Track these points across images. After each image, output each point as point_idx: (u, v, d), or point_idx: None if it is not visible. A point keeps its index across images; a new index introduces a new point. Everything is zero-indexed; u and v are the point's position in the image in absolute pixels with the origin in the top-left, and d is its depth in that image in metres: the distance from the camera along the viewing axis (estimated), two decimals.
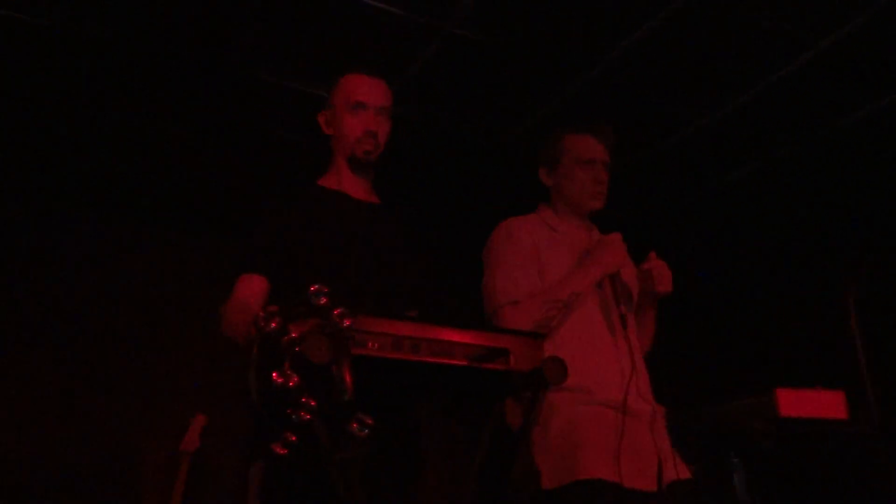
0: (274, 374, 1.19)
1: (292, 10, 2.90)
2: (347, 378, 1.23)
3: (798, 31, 2.97)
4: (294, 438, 1.21)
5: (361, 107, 1.94)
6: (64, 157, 3.73)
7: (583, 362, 1.93)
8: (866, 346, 2.21)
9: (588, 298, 2.06)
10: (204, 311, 3.82)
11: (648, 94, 3.42)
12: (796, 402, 2.59)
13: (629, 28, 3.00)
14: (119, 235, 3.88)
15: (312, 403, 1.21)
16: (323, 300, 1.26)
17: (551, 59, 3.19)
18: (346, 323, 1.25)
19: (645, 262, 2.15)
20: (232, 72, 3.24)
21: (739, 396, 2.72)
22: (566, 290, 2.00)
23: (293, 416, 1.20)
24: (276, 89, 3.34)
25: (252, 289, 1.77)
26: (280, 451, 1.21)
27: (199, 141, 3.71)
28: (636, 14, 2.92)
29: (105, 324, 3.71)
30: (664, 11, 2.87)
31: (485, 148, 3.82)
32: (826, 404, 2.62)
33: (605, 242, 2.10)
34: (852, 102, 3.38)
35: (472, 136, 3.74)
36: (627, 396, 1.93)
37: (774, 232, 4.31)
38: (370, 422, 1.24)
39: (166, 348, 3.82)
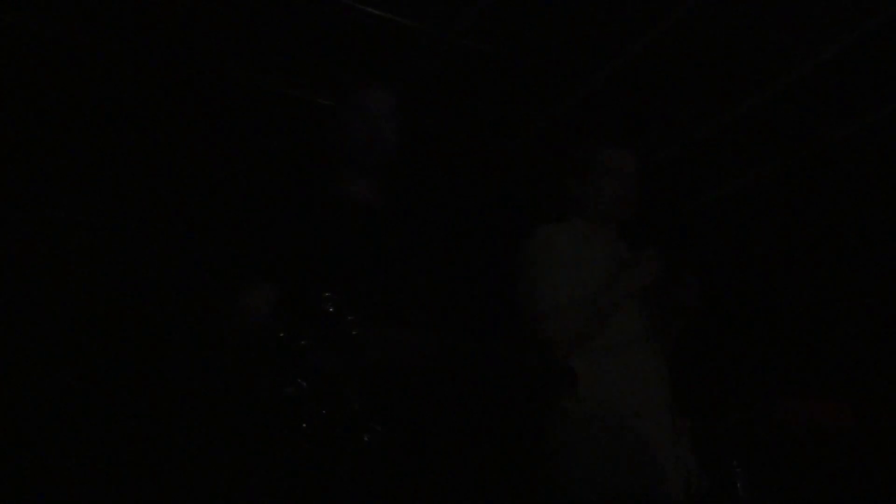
0: (284, 383, 1.19)
1: (294, 18, 2.90)
2: (357, 385, 1.23)
3: (799, 42, 2.98)
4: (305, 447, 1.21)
5: None
6: (54, 163, 3.72)
7: (615, 374, 1.94)
8: (870, 355, 2.22)
9: (622, 311, 2.06)
10: (206, 320, 3.83)
11: (651, 102, 3.43)
12: (799, 411, 2.60)
13: (631, 37, 3.01)
14: (118, 246, 3.86)
15: (323, 412, 1.21)
16: (333, 307, 1.26)
17: (554, 69, 3.20)
18: (356, 331, 1.25)
19: (672, 277, 2.15)
20: (232, 79, 3.24)
21: (742, 405, 2.72)
22: (606, 300, 1.99)
23: (304, 426, 1.20)
24: (276, 97, 3.35)
25: (260, 296, 1.76)
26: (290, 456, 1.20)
27: (195, 149, 3.70)
28: (638, 23, 2.93)
29: (107, 335, 3.69)
30: (665, 22, 2.89)
31: (489, 156, 3.83)
32: (830, 413, 2.62)
33: (642, 255, 2.11)
34: (862, 109, 3.38)
35: (476, 145, 3.75)
36: (658, 410, 1.94)
37: (786, 239, 4.31)
38: (380, 430, 1.23)
39: (167, 357, 3.80)
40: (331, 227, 1.87)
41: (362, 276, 1.78)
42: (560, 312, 1.97)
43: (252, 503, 1.52)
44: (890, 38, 2.91)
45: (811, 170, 3.80)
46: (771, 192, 4.03)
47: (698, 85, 3.31)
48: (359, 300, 1.40)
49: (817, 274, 4.03)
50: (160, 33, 3.00)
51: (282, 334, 1.24)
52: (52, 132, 3.59)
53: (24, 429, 3.30)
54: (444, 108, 3.47)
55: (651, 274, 2.06)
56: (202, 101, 3.41)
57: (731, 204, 4.18)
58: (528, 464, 1.51)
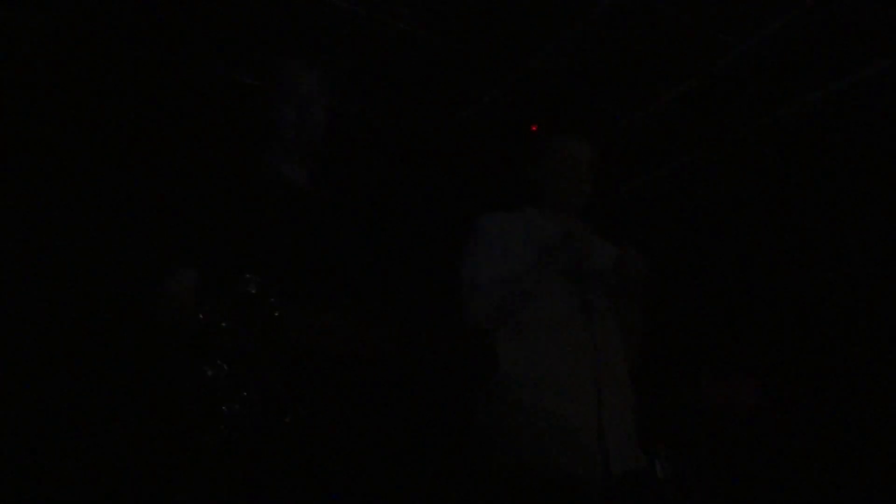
0: (205, 366, 1.18)
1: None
2: (277, 368, 1.23)
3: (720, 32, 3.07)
4: (225, 431, 1.20)
5: None
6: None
7: (541, 353, 1.97)
8: (783, 333, 2.32)
9: (553, 288, 2.10)
10: (131, 303, 3.72)
11: (587, 87, 3.48)
12: (718, 389, 2.70)
13: (566, 23, 3.05)
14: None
15: (244, 395, 1.20)
16: (255, 289, 1.25)
17: (491, 53, 3.22)
18: (277, 312, 1.25)
19: (621, 253, 2.18)
20: (156, 58, 3.15)
21: (663, 384, 2.81)
22: (530, 279, 2.03)
23: (224, 409, 1.19)
24: (204, 76, 3.27)
25: (183, 280, 1.73)
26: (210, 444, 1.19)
27: (126, 130, 3.59)
28: (570, 12, 2.97)
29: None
30: (600, 7, 2.93)
31: (428, 140, 3.83)
32: (745, 391, 2.74)
33: (571, 233, 2.14)
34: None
35: (414, 128, 3.74)
36: (582, 388, 1.98)
37: (702, 220, 4.43)
38: (301, 412, 1.24)
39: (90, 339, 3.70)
40: (257, 209, 1.85)
41: (287, 258, 1.77)
42: (476, 291, 2.01)
43: (175, 485, 1.50)
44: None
45: (736, 155, 3.92)
46: (704, 176, 4.13)
47: (639, 71, 3.37)
48: (282, 282, 1.39)
49: (742, 254, 4.18)
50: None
51: (201, 316, 1.23)
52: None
53: None
54: (385, 91, 3.44)
55: (580, 251, 2.10)
56: (127, 79, 3.30)
57: (667, 187, 4.28)
58: (456, 446, 1.53)
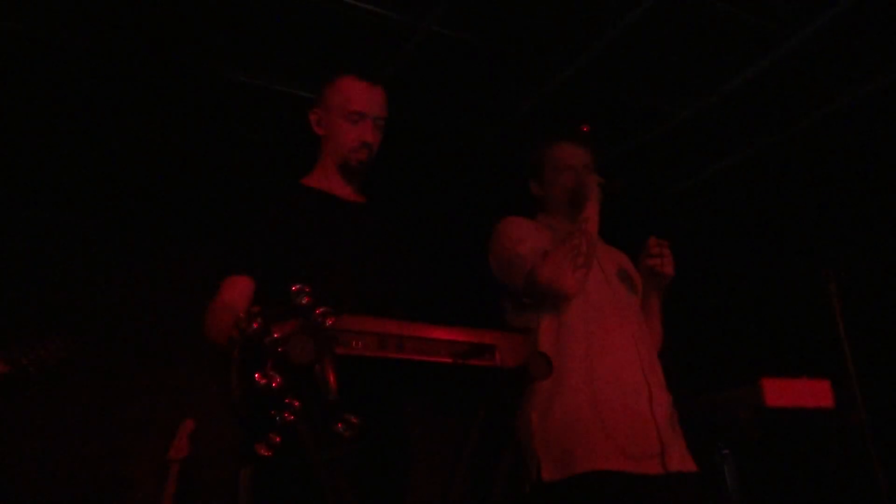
0: (257, 376, 1.18)
1: (268, 10, 2.88)
2: (332, 378, 1.22)
3: (773, 25, 2.99)
4: (279, 440, 1.20)
5: (360, 116, 1.92)
6: (40, 164, 3.69)
7: (587, 346, 1.97)
8: (850, 334, 2.23)
9: (592, 283, 2.09)
10: (189, 315, 3.82)
11: (627, 88, 3.44)
12: (782, 392, 2.61)
13: (606, 24, 3.01)
14: (103, 242, 3.85)
15: (296, 404, 1.20)
16: (305, 299, 1.25)
17: (529, 57, 3.20)
18: (329, 322, 1.25)
19: (647, 247, 2.18)
20: (208, 73, 3.22)
21: (726, 387, 2.74)
22: (580, 236, 2.05)
23: (277, 418, 1.19)
24: (253, 90, 3.33)
25: (237, 290, 1.75)
26: (264, 453, 1.20)
27: (175, 144, 3.68)
28: (612, 11, 2.94)
29: (92, 329, 3.68)
30: (639, 8, 2.89)
31: (466, 146, 3.83)
32: (812, 393, 2.64)
33: (584, 183, 2.19)
34: (833, 93, 3.42)
35: (453, 135, 3.74)
36: (634, 380, 1.97)
37: (761, 222, 4.34)
38: (356, 422, 1.23)
39: (152, 354, 3.80)
40: (308, 220, 1.87)
41: (339, 269, 1.78)
42: (548, 257, 2.04)
43: (230, 497, 1.52)
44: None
45: (786, 153, 3.82)
46: (747, 175, 4.06)
47: (673, 73, 3.32)
48: (334, 293, 1.40)
49: (799, 255, 4.06)
50: (127, 27, 2.97)
51: (255, 326, 1.23)
52: (26, 139, 3.56)
53: None
54: (420, 96, 3.46)
55: (597, 192, 2.15)
56: (179, 93, 3.38)
57: (709, 189, 4.21)
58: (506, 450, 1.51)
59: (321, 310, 1.24)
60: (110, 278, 3.82)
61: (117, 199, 3.88)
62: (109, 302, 3.79)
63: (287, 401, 1.20)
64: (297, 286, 1.26)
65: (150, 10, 2.85)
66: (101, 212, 3.88)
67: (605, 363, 1.99)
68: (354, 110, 1.92)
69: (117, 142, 3.59)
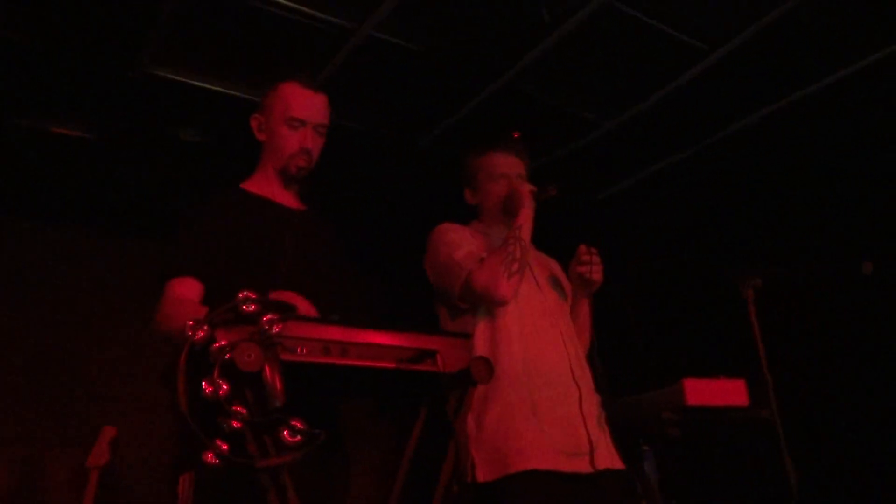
0: (203, 383, 1.18)
1: (205, 10, 2.83)
2: (278, 385, 1.23)
3: (699, 41, 3.13)
4: (225, 447, 1.20)
5: (300, 123, 1.92)
6: None
7: (523, 349, 2.02)
8: (764, 337, 2.36)
9: (524, 288, 2.15)
10: (112, 318, 3.73)
11: (558, 98, 3.53)
12: (702, 391, 2.74)
13: (541, 35, 3.08)
14: (27, 240, 3.70)
15: (243, 411, 1.21)
16: (252, 307, 1.26)
17: (466, 64, 3.24)
18: (276, 329, 1.25)
19: (577, 255, 2.25)
20: (144, 74, 3.13)
21: (649, 388, 2.85)
22: (514, 242, 2.11)
23: (223, 425, 1.19)
24: (190, 90, 3.26)
25: (186, 287, 1.73)
26: (212, 461, 1.19)
27: (103, 143, 3.57)
28: (546, 23, 3.01)
29: (7, 331, 3.52)
30: (571, 22, 2.98)
31: (403, 151, 3.84)
32: (729, 392, 2.78)
33: (517, 191, 2.25)
34: (755, 105, 3.59)
35: (390, 140, 3.75)
36: (566, 382, 2.03)
37: (685, 231, 4.51)
38: (302, 427, 1.24)
39: (72, 357, 3.66)
40: (247, 226, 1.86)
41: (278, 275, 1.78)
42: (484, 264, 2.10)
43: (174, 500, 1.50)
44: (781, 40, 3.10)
45: (703, 163, 4.00)
46: (666, 185, 4.22)
47: (603, 84, 3.42)
48: (281, 301, 1.40)
49: (715, 261, 4.25)
50: (56, 26, 2.87)
51: (202, 333, 1.23)
52: None
53: None
54: (357, 101, 3.46)
55: (528, 199, 2.20)
56: (110, 93, 3.28)
57: (632, 196, 4.35)
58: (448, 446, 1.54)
59: (267, 317, 1.25)
60: (27, 281, 3.67)
61: (39, 201, 3.72)
62: (26, 307, 3.63)
63: (233, 408, 1.20)
64: (244, 293, 1.26)
65: (84, 6, 2.76)
66: (22, 218, 3.71)
67: (539, 365, 2.06)
68: (295, 116, 1.92)
69: (43, 142, 3.44)
